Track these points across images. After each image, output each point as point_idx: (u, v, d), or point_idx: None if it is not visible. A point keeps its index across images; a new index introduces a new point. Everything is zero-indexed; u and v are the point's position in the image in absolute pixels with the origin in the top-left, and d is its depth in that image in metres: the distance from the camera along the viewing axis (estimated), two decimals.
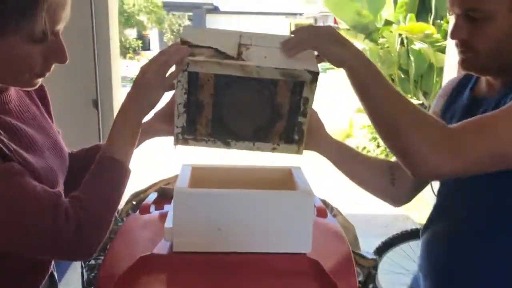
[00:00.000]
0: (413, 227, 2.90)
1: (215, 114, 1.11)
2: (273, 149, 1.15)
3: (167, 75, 1.01)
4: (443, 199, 1.25)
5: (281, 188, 1.16)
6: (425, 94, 7.10)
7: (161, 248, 1.11)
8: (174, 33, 23.40)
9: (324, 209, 1.32)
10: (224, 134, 1.13)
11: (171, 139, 1.15)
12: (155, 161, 6.70)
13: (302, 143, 1.14)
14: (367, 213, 4.39)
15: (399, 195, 1.30)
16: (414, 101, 6.97)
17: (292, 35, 1.05)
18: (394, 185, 1.26)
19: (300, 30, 1.05)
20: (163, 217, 1.33)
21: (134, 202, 1.53)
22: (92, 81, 3.21)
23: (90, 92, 3.24)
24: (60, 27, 0.95)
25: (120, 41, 21.28)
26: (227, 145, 1.14)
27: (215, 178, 1.24)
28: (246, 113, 1.12)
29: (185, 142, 1.15)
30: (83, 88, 3.23)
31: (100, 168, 1.00)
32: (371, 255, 1.25)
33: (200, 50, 1.04)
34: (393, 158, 1.23)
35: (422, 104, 7.20)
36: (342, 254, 1.17)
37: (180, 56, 1.01)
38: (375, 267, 1.20)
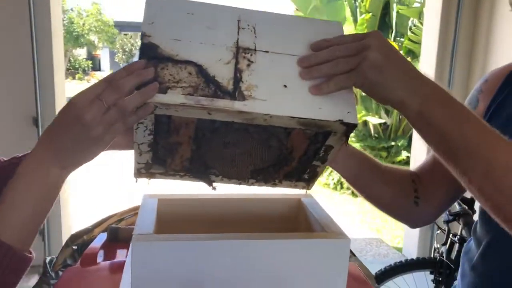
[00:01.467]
0: (403, 258, 2.59)
1: (194, 155, 0.76)
2: (274, 185, 0.83)
3: (112, 126, 0.65)
4: (495, 233, 0.91)
5: (292, 228, 0.80)
6: (387, 112, 6.99)
7: None
8: (126, 53, 22.73)
9: None
10: (207, 173, 0.80)
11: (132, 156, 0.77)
12: (114, 185, 6.14)
13: (313, 183, 0.84)
14: None
15: (422, 216, 1.01)
16: (375, 119, 6.83)
17: (322, 48, 0.72)
18: (418, 205, 0.95)
19: (337, 48, 0.71)
20: (115, 270, 0.94)
21: (74, 247, 1.12)
22: (32, 100, 3.03)
23: (30, 111, 3.05)
24: None
25: (69, 61, 20.56)
26: (209, 183, 0.81)
27: (195, 216, 0.86)
28: (240, 160, 0.78)
29: (151, 176, 0.81)
30: (24, 107, 3.05)
31: None
32: None
33: (175, 71, 0.67)
34: (411, 167, 0.92)
35: (384, 124, 7.08)
36: None
37: (141, 97, 0.64)
38: None
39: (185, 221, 0.86)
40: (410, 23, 6.57)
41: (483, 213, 0.87)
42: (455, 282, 0.99)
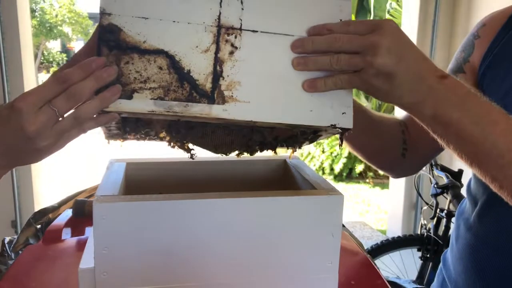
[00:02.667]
0: (385, 237, 2.54)
1: (171, 137, 0.67)
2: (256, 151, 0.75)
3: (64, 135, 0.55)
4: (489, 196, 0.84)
5: (278, 189, 0.71)
6: (367, 97, 6.96)
7: None
8: None
9: None
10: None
11: None
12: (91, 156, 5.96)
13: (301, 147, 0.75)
14: None
15: (407, 166, 0.96)
16: None
17: (323, 32, 0.61)
18: (405, 156, 0.89)
19: (340, 39, 0.59)
20: (82, 246, 0.84)
21: (38, 226, 1.02)
22: (0, 95, 2.81)
23: None
24: None
25: (43, 55, 20.03)
26: (188, 151, 0.70)
27: (171, 181, 0.77)
28: (220, 145, 0.69)
29: (124, 138, 0.71)
30: None
31: None
32: (411, 285, 0.84)
33: (142, 65, 0.56)
34: (399, 115, 0.88)
35: None
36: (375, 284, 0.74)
37: (101, 104, 0.55)
38: None
39: (159, 186, 0.76)
40: (388, 6, 6.52)
41: None
42: (447, 250, 0.92)
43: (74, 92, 0.52)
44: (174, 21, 0.57)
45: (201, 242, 0.61)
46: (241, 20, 0.59)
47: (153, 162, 0.78)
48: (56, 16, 18.32)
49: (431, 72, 0.59)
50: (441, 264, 0.92)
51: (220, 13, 0.59)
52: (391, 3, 6.44)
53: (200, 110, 0.57)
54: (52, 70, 20.20)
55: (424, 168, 2.15)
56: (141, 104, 0.56)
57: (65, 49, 23.70)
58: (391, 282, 0.83)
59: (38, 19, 16.97)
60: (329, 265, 0.66)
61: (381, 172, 5.60)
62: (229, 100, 0.58)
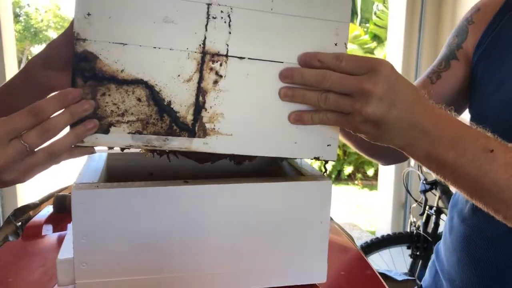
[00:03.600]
0: (374, 236, 2.54)
1: None
2: None
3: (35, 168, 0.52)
4: None
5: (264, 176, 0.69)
6: None
7: None
8: None
9: None
10: None
11: None
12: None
13: None
14: None
15: (397, 156, 0.91)
16: None
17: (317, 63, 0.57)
18: None
19: (329, 77, 0.55)
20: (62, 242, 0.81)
21: (18, 223, 0.98)
22: None
23: None
24: None
25: (27, 59, 19.84)
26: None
27: (155, 170, 0.74)
28: (204, 159, 0.66)
29: None
30: None
31: None
32: (401, 276, 0.82)
33: (119, 97, 0.53)
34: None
35: None
36: (369, 280, 0.72)
37: (76, 138, 0.53)
38: None
39: (143, 177, 0.73)
40: (375, 8, 6.56)
41: None
42: (439, 243, 0.90)
43: (47, 128, 0.50)
44: (154, 47, 0.53)
45: (184, 231, 0.59)
46: (227, 45, 0.55)
47: (136, 152, 0.75)
48: (42, 21, 18.16)
49: (424, 117, 0.56)
50: (433, 257, 0.91)
51: (205, 37, 0.55)
52: (377, 5, 6.48)
53: (179, 144, 0.55)
54: None
55: (412, 164, 2.15)
56: (118, 138, 0.54)
57: None
58: (381, 274, 0.81)
59: (22, 23, 16.79)
60: (319, 252, 0.64)
61: (369, 174, 5.57)
62: (211, 133, 0.56)
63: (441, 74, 0.81)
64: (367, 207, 4.96)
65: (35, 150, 0.50)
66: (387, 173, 3.43)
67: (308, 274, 0.65)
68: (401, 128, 0.55)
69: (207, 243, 0.60)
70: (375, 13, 6.40)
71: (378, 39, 6.34)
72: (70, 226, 0.67)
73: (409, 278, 0.85)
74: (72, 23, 0.57)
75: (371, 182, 5.75)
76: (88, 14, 0.51)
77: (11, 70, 2.92)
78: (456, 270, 0.79)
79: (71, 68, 0.53)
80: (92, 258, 0.57)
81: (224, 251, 0.61)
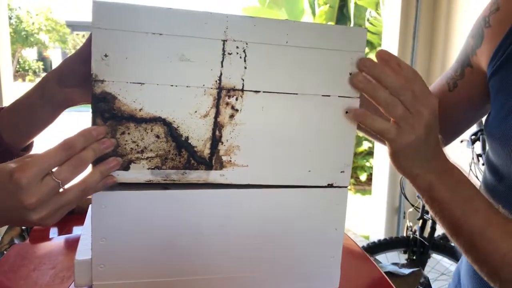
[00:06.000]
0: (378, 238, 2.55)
1: None
2: None
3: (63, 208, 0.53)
4: None
5: None
6: None
7: None
8: None
9: None
10: None
11: None
12: None
13: None
14: None
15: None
16: None
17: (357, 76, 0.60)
18: None
19: (415, 87, 0.58)
20: (71, 244, 0.81)
21: (23, 227, 0.98)
22: None
23: None
24: None
25: (18, 63, 19.68)
26: None
27: None
28: None
29: None
30: None
31: None
32: (407, 270, 0.83)
33: (138, 135, 0.54)
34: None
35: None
36: (377, 281, 0.73)
37: (101, 176, 0.54)
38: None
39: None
40: (367, 14, 6.61)
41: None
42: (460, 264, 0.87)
43: (77, 164, 0.51)
44: (171, 85, 0.54)
45: (202, 234, 0.59)
46: (243, 80, 0.56)
47: None
48: (33, 24, 18.06)
49: (438, 148, 0.61)
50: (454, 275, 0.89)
51: (221, 73, 0.55)
52: (370, 12, 6.53)
53: (197, 176, 0.57)
54: (28, 78, 19.84)
55: None
56: (138, 174, 0.55)
57: (41, 57, 23.34)
58: (387, 273, 0.82)
59: (13, 26, 16.69)
60: (332, 258, 0.65)
61: (362, 179, 5.58)
62: (227, 165, 0.57)
63: (457, 82, 0.77)
64: (360, 212, 4.98)
65: (66, 188, 0.51)
66: (381, 178, 3.45)
67: (321, 280, 0.65)
68: (424, 156, 0.60)
69: (223, 248, 0.60)
70: (368, 20, 6.45)
71: (371, 45, 6.38)
72: (85, 227, 0.67)
73: (414, 270, 0.85)
74: (86, 41, 0.59)
75: (363, 187, 5.77)
76: (105, 56, 0.52)
77: (6, 72, 2.91)
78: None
79: (86, 85, 0.54)
80: (110, 260, 0.57)
81: (240, 255, 0.61)
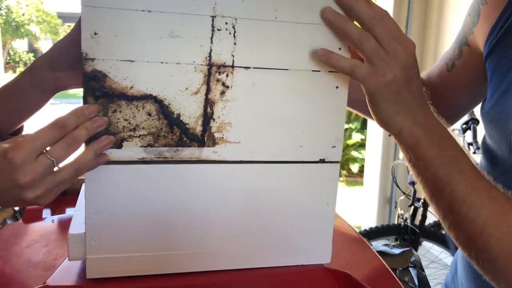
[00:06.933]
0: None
1: None
2: None
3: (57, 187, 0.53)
4: None
5: None
6: None
7: (63, 274, 0.60)
8: None
9: None
10: None
11: None
12: None
13: None
14: None
15: None
16: None
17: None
18: None
19: (390, 21, 0.56)
20: (64, 225, 0.81)
21: (16, 208, 0.98)
22: None
23: None
24: None
25: (9, 54, 19.48)
26: None
27: None
28: None
29: None
30: None
31: None
32: (398, 249, 0.84)
33: (130, 112, 0.54)
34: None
35: None
36: (369, 259, 0.74)
37: (94, 154, 0.54)
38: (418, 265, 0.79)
39: None
40: None
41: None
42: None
43: (70, 142, 0.51)
44: (162, 62, 0.54)
45: (194, 209, 0.60)
46: (233, 56, 0.56)
47: None
48: (23, 14, 17.88)
49: (425, 107, 0.59)
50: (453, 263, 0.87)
51: (211, 50, 0.55)
52: None
53: (190, 153, 0.57)
54: (18, 70, 19.66)
55: (401, 157, 2.18)
56: (131, 152, 0.55)
57: (32, 49, 23.12)
58: (379, 252, 0.83)
59: (3, 17, 16.52)
60: (324, 234, 0.66)
61: (354, 170, 5.60)
62: (220, 142, 0.58)
63: (455, 62, 0.77)
64: (351, 202, 5.01)
65: (60, 167, 0.51)
66: (373, 167, 3.47)
67: (313, 255, 0.66)
68: (408, 105, 0.57)
69: (215, 222, 0.61)
70: None
71: None
72: (78, 204, 0.67)
73: (405, 249, 0.86)
74: (76, 25, 0.59)
75: (355, 178, 5.80)
76: (95, 34, 0.52)
77: None
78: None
79: (77, 69, 0.54)
80: (103, 234, 0.58)
81: (232, 230, 0.62)
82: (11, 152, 0.48)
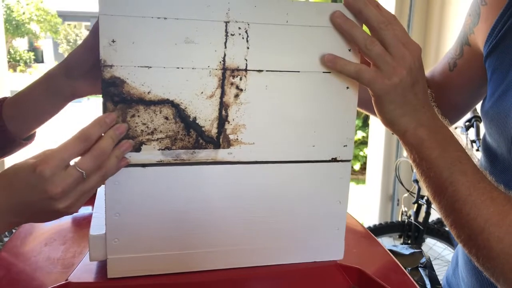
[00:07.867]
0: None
1: None
2: None
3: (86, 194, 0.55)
4: None
5: None
6: None
7: (83, 271, 0.62)
8: (70, 43, 21.77)
9: None
10: None
11: None
12: None
13: None
14: None
15: None
16: None
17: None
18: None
19: (397, 25, 0.58)
20: (79, 223, 0.83)
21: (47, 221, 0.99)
22: None
23: None
24: None
25: (9, 53, 19.48)
26: None
27: None
28: None
29: None
30: None
31: None
32: (408, 250, 0.85)
33: (148, 117, 0.56)
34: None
35: None
36: (380, 255, 0.75)
37: (117, 159, 0.56)
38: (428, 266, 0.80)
39: None
40: None
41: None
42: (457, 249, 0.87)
43: (98, 154, 0.53)
44: (178, 68, 0.56)
45: (211, 209, 0.62)
46: (246, 60, 0.58)
47: None
48: (23, 13, 17.87)
49: (429, 101, 0.61)
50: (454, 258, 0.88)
51: (225, 54, 0.57)
52: None
53: (206, 155, 0.59)
54: (19, 69, 19.67)
55: (405, 155, 2.19)
56: (149, 155, 0.57)
57: (32, 48, 23.12)
58: (389, 250, 0.85)
59: (4, 16, 16.50)
60: (336, 231, 0.67)
61: (356, 168, 5.61)
62: (234, 143, 0.60)
63: (457, 62, 0.78)
64: (353, 200, 5.02)
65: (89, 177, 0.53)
66: (375, 165, 3.49)
67: (326, 252, 0.68)
68: (413, 107, 0.59)
69: (231, 221, 0.63)
70: None
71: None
72: (96, 206, 0.69)
73: (416, 250, 0.88)
74: (91, 32, 0.61)
75: (357, 176, 5.82)
76: (113, 41, 0.53)
77: (1, 62, 2.89)
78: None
79: (92, 76, 0.57)
80: (123, 234, 0.59)
81: (248, 228, 0.64)
82: (41, 166, 0.50)
